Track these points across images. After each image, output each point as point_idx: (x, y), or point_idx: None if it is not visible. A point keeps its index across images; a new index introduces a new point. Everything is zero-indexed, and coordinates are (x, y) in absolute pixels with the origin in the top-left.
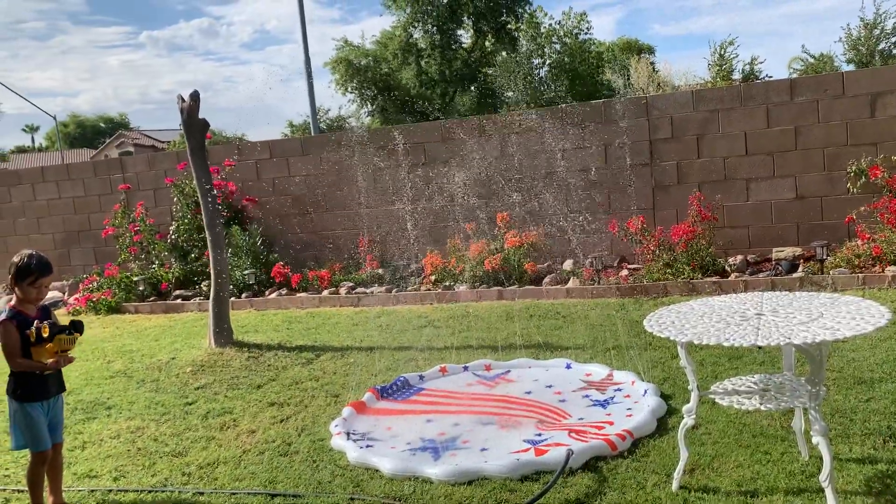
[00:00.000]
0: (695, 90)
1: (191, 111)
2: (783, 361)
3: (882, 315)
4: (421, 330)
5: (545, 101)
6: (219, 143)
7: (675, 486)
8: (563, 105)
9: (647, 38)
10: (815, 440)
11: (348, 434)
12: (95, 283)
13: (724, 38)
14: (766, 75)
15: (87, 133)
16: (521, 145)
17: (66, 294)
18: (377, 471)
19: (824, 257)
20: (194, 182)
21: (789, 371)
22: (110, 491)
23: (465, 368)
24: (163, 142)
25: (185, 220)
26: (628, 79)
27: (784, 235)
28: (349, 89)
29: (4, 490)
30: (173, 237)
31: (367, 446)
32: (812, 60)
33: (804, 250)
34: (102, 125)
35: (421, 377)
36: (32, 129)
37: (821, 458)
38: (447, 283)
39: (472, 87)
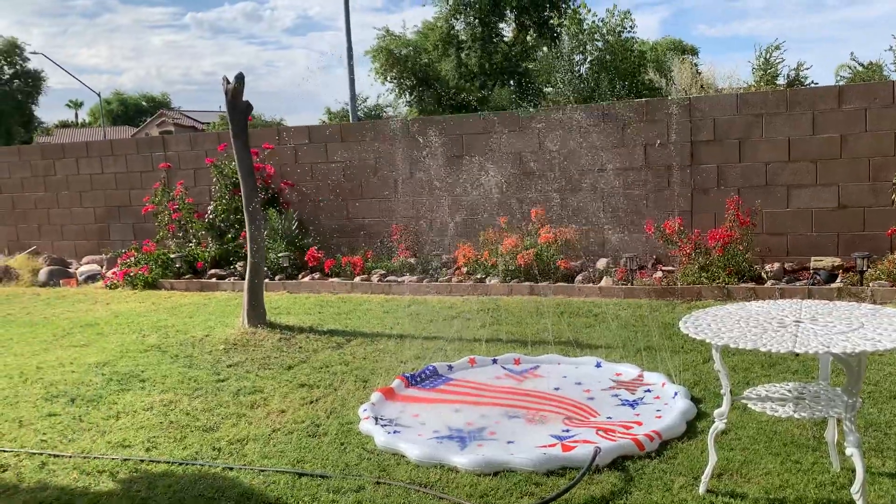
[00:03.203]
0: (739, 93)
1: (235, 93)
2: (819, 371)
3: None
4: (451, 321)
5: (585, 98)
6: (258, 127)
7: (702, 489)
8: (604, 102)
9: (691, 39)
10: (848, 451)
11: (376, 419)
12: (133, 259)
13: (771, 42)
14: (812, 82)
15: (129, 111)
16: (559, 141)
17: (105, 268)
18: (404, 456)
19: (864, 269)
20: (234, 163)
21: (825, 381)
22: (142, 461)
23: (494, 361)
24: (203, 123)
25: (224, 201)
26: (671, 79)
27: (823, 244)
28: (388, 78)
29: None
30: (211, 217)
31: (395, 432)
32: (860, 69)
33: (843, 261)
34: (144, 104)
35: (450, 367)
36: (76, 105)
37: (852, 471)
38: (479, 276)
39: (512, 82)
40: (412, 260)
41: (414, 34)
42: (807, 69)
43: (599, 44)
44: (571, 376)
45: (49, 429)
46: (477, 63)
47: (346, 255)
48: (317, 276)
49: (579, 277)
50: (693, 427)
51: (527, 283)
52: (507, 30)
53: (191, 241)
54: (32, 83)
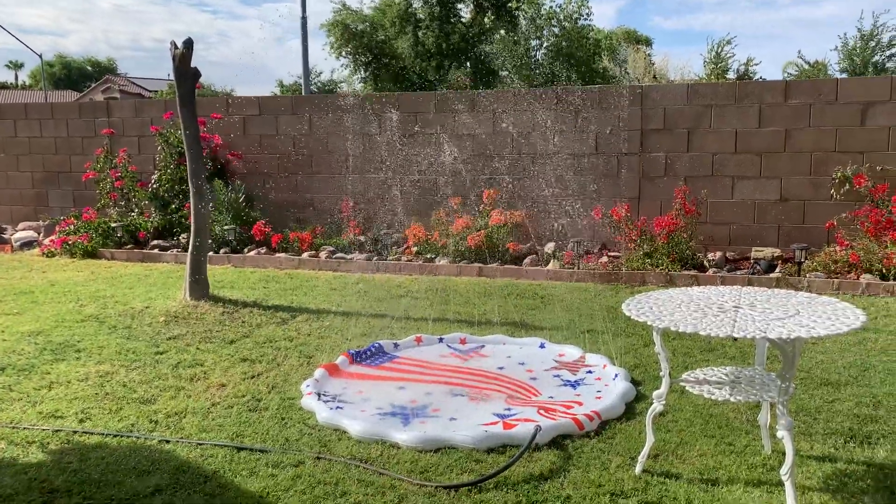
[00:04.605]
0: (690, 84)
1: (183, 59)
2: (755, 356)
3: (857, 318)
4: (399, 299)
5: (540, 83)
6: (207, 96)
7: (638, 468)
8: (559, 87)
9: (646, 30)
10: (779, 434)
11: (319, 395)
12: (72, 226)
13: (722, 37)
14: (760, 77)
15: (72, 75)
16: (512, 123)
17: (42, 235)
18: (345, 432)
19: (802, 260)
20: (180, 132)
21: (760, 366)
22: (75, 432)
23: (441, 340)
24: (150, 91)
25: (168, 171)
26: (625, 68)
27: (764, 235)
28: (343, 53)
29: None
30: (155, 186)
31: (338, 408)
32: (806, 66)
33: (783, 252)
34: (89, 68)
35: (396, 345)
36: (16, 66)
37: (783, 453)
38: (429, 256)
39: (468, 63)
40: (362, 238)
41: (371, 10)
42: (756, 64)
43: (556, 30)
44: (515, 356)
45: None
46: (434, 42)
47: (294, 230)
48: (263, 250)
49: (527, 260)
50: (632, 408)
51: (476, 265)
52: (465, 11)
53: (133, 211)
54: None
